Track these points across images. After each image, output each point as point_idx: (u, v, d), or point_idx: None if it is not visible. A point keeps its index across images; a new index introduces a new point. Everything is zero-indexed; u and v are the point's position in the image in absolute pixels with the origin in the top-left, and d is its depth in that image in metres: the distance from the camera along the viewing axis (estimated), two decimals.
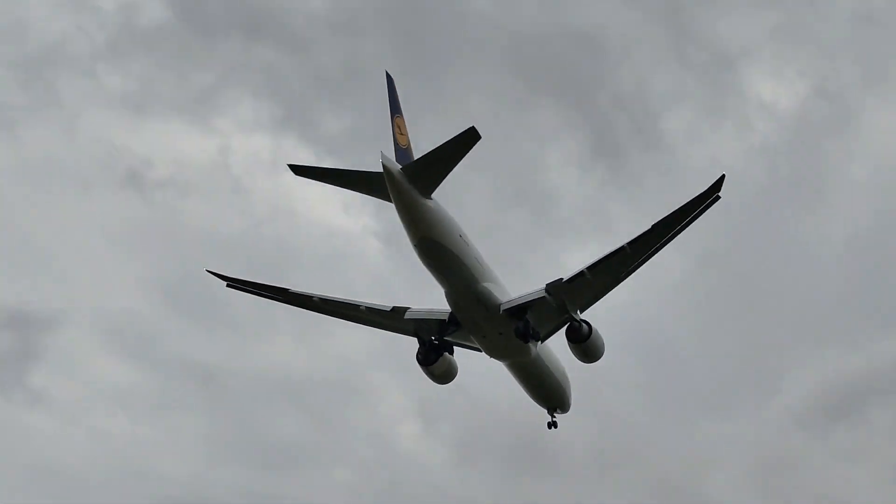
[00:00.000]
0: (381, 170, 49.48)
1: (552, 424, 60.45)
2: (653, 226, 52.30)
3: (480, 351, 57.21)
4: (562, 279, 53.75)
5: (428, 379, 57.55)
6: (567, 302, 54.21)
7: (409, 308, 56.25)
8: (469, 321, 54.50)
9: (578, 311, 54.95)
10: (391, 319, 56.37)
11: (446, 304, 55.08)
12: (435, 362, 56.31)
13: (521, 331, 53.87)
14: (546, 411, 60.65)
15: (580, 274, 53.36)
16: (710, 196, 51.56)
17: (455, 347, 57.50)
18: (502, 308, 53.81)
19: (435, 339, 55.95)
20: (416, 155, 52.31)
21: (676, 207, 52.06)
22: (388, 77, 53.16)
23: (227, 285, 58.30)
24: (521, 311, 53.92)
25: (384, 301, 57.09)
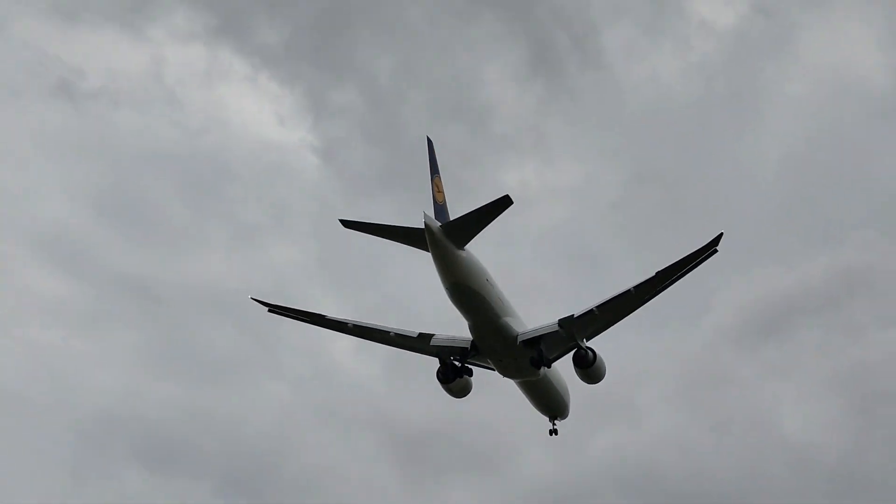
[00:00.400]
0: (422, 226, 55.36)
1: (553, 431, 67.73)
2: (656, 273, 58.91)
3: (494, 370, 63.95)
4: (573, 315, 60.34)
5: (445, 393, 64.29)
6: (576, 333, 60.91)
7: (434, 335, 62.49)
8: (489, 349, 61.02)
9: (585, 340, 61.81)
10: (418, 343, 62.60)
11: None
12: (453, 381, 62.93)
13: (536, 359, 60.66)
14: (548, 419, 67.85)
15: (589, 311, 59.98)
16: (708, 250, 58.33)
17: (472, 367, 64.13)
18: (519, 339, 60.34)
19: (457, 362, 62.49)
20: (451, 207, 58.22)
21: (678, 259, 58.82)
22: (429, 141, 58.49)
23: (269, 310, 63.97)
24: (535, 341, 60.63)
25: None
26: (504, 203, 53.77)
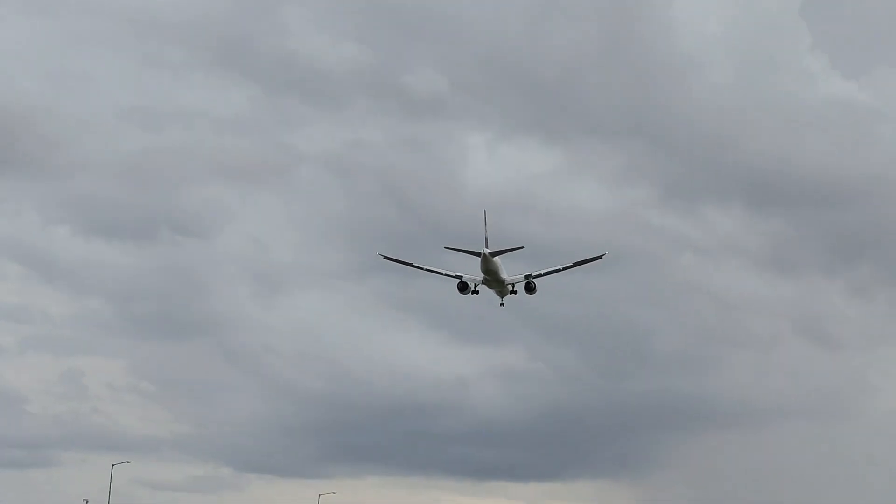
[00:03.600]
0: (481, 251, 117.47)
1: (502, 304, 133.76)
2: (574, 263, 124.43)
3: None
4: (531, 274, 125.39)
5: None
6: (531, 279, 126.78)
7: (463, 275, 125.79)
8: (490, 284, 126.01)
9: (533, 278, 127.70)
10: (456, 278, 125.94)
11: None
12: (466, 292, 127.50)
13: (511, 290, 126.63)
14: (501, 298, 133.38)
15: (539, 274, 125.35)
16: (599, 257, 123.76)
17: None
18: (506, 283, 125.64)
19: (475, 288, 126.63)
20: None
21: (591, 257, 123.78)
22: (485, 213, 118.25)
23: (384, 258, 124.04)
24: (512, 283, 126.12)
25: None
26: (518, 248, 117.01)
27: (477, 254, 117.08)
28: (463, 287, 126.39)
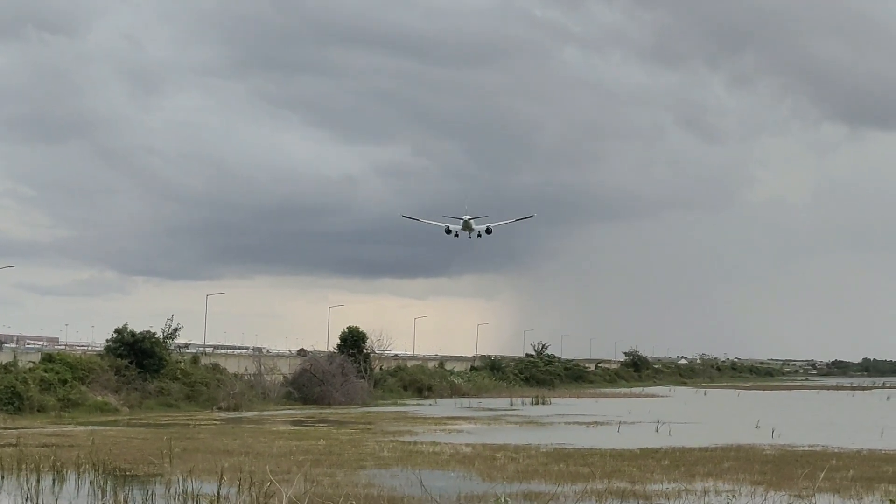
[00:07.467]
0: (463, 218, 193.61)
1: (470, 237, 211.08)
2: (516, 219, 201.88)
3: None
4: (490, 225, 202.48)
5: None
6: (491, 227, 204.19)
7: (449, 225, 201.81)
8: (465, 230, 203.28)
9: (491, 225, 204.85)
10: (444, 226, 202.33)
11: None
12: (449, 233, 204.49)
13: (478, 234, 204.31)
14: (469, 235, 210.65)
15: (497, 224, 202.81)
16: (530, 216, 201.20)
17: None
18: (474, 229, 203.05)
19: (456, 233, 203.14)
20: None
21: (528, 215, 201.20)
22: (466, 197, 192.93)
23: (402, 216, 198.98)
24: (479, 230, 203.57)
25: None
26: (484, 216, 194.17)
27: (460, 219, 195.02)
28: (448, 231, 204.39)
